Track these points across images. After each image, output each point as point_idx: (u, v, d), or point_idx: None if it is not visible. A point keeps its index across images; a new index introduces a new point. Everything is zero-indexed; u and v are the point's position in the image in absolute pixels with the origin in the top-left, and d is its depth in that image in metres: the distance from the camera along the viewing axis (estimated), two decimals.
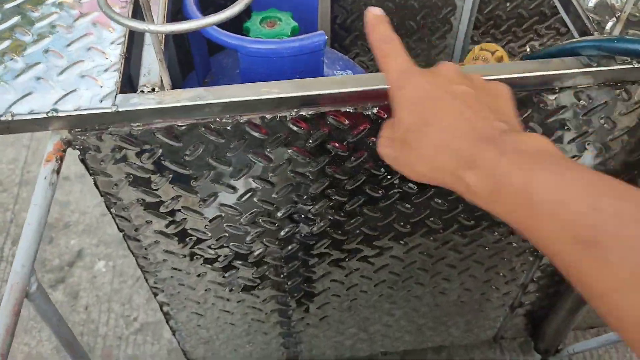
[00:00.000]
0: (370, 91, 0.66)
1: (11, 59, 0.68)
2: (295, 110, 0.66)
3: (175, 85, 0.66)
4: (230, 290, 0.98)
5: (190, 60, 0.89)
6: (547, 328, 1.17)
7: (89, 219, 1.81)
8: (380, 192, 0.80)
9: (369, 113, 0.68)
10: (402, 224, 0.87)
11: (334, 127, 0.69)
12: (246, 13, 0.85)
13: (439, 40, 1.26)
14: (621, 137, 0.76)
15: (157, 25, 0.42)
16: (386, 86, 0.59)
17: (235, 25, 0.77)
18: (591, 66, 0.66)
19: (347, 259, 0.94)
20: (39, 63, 0.67)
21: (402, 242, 0.92)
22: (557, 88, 0.68)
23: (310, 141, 0.70)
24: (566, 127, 0.74)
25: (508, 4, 1.19)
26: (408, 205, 0.84)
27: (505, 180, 0.44)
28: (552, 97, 0.69)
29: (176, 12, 0.83)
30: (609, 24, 0.69)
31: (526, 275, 1.04)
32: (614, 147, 0.78)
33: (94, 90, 0.65)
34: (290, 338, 1.16)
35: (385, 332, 1.19)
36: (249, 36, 0.86)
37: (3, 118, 0.62)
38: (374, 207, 0.83)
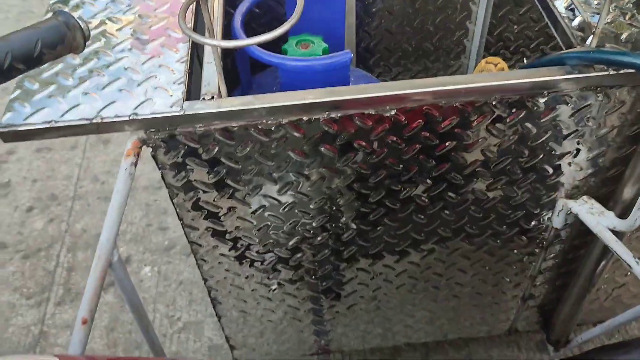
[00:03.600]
0: (389, 96, 0.80)
1: (98, 75, 0.84)
2: (326, 112, 0.81)
3: None
4: (273, 291, 1.12)
5: (233, 78, 1.05)
6: (557, 319, 1.28)
7: (136, 229, 1.97)
8: (397, 204, 0.94)
9: (388, 114, 0.82)
10: (418, 233, 1.01)
11: (359, 127, 0.83)
12: (283, 37, 1.01)
13: (453, 61, 1.41)
14: (608, 135, 0.89)
15: (225, 41, 0.56)
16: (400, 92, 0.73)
17: (274, 48, 0.93)
18: (573, 73, 0.80)
19: (371, 265, 1.07)
20: (120, 78, 0.84)
21: (419, 249, 1.05)
22: (545, 92, 0.81)
23: (339, 140, 0.85)
24: (558, 127, 0.87)
25: (515, 27, 1.33)
26: (422, 217, 0.97)
27: None
28: (542, 100, 0.82)
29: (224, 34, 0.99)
30: (589, 39, 0.82)
31: (534, 266, 1.16)
32: (602, 145, 0.90)
33: (165, 98, 0.80)
34: (322, 328, 1.29)
35: (407, 325, 1.31)
36: (287, 54, 1.02)
37: (94, 120, 0.78)
38: (393, 217, 0.97)
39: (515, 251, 1.11)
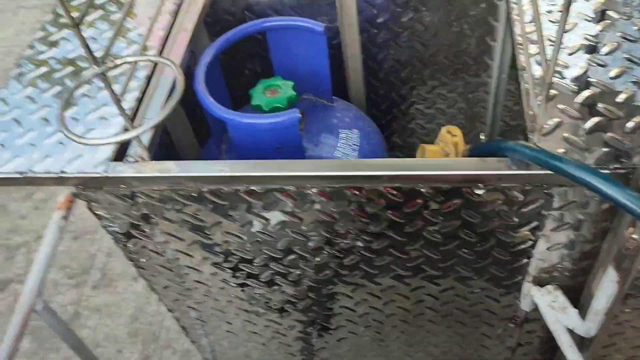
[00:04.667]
0: (306, 176, 0.76)
1: (44, 124, 0.87)
2: (245, 185, 0.78)
3: (193, 149, 0.81)
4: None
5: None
6: None
7: None
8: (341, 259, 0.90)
9: (309, 192, 0.78)
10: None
11: (281, 201, 0.80)
12: (256, 80, 0.99)
13: (473, 78, 1.28)
14: (567, 229, 0.78)
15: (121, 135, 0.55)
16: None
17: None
18: (512, 169, 0.70)
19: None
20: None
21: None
22: (481, 185, 0.73)
23: (259, 209, 0.82)
24: (506, 218, 0.78)
25: None
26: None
27: None
28: (479, 191, 0.74)
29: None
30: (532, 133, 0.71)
31: (512, 340, 1.06)
32: (564, 238, 0.80)
33: (94, 155, 0.81)
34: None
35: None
36: (252, 101, 0.99)
37: (27, 175, 0.82)
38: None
39: (488, 325, 1.03)
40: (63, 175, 0.81)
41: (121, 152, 0.83)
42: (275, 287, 0.99)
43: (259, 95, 0.99)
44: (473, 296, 0.95)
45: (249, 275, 0.97)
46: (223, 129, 1.08)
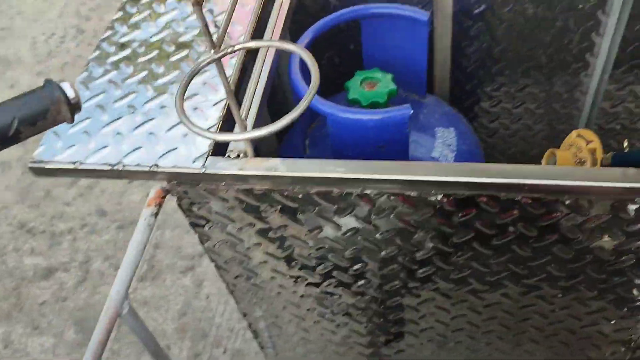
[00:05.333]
0: (433, 181, 0.67)
1: (133, 112, 0.80)
2: (360, 188, 0.70)
3: (270, 142, 0.73)
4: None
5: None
6: None
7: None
8: (449, 264, 0.81)
9: (433, 199, 0.70)
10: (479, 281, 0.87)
11: (397, 208, 0.72)
12: (350, 71, 0.90)
13: (571, 77, 1.18)
14: None
15: (218, 134, 0.48)
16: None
17: (344, 76, 0.82)
18: None
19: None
20: (154, 118, 0.79)
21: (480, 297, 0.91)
22: (637, 199, 0.64)
23: (374, 216, 0.74)
24: None
25: None
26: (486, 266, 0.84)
27: None
28: (632, 207, 0.65)
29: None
30: None
31: None
32: None
33: (191, 149, 0.74)
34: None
35: None
36: (348, 94, 0.91)
37: (116, 167, 0.75)
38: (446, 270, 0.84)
39: (596, 348, 0.94)
40: (157, 169, 0.74)
41: (219, 146, 0.76)
42: (355, 292, 0.92)
43: (357, 88, 0.91)
44: (589, 317, 0.86)
45: (340, 284, 0.90)
46: (309, 123, 1.00)
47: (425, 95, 1.04)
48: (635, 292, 0.80)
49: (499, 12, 1.09)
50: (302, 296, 0.95)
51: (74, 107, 0.56)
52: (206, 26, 0.57)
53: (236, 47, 0.59)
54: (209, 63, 0.58)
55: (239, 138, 0.55)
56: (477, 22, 1.12)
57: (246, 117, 0.77)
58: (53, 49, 2.65)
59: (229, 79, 0.67)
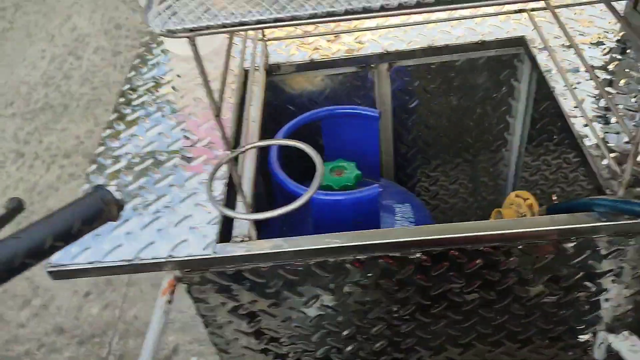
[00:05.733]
0: (413, 241, 0.82)
1: (140, 214, 0.90)
2: (352, 255, 0.83)
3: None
4: None
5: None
6: None
7: (185, 317, 2.02)
8: (429, 318, 0.94)
9: (413, 257, 0.84)
10: (453, 345, 1.00)
11: (384, 268, 0.85)
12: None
13: (494, 153, 1.39)
14: None
15: (254, 215, 0.60)
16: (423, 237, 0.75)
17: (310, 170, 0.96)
18: (601, 221, 0.79)
19: None
20: (159, 218, 0.89)
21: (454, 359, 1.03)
22: (573, 238, 0.81)
23: (365, 279, 0.87)
24: (590, 268, 0.85)
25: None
26: (456, 330, 0.97)
27: None
28: (569, 245, 0.82)
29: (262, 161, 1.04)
30: (618, 186, 0.81)
31: None
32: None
33: (199, 239, 0.85)
34: None
35: None
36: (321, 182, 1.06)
37: (134, 262, 0.84)
38: (426, 330, 0.96)
39: None
40: (171, 259, 0.83)
41: (222, 235, 0.87)
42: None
43: (327, 176, 1.06)
44: (548, 351, 1.00)
45: (333, 347, 0.99)
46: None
47: (379, 178, 1.21)
48: (582, 322, 0.95)
49: (429, 105, 1.31)
50: None
51: (121, 207, 0.67)
52: (223, 132, 0.71)
53: (246, 147, 0.73)
54: (227, 162, 0.71)
55: (258, 217, 0.67)
56: (411, 114, 1.33)
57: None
58: None
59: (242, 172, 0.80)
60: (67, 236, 0.62)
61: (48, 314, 2.08)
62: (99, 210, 0.65)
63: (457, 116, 1.32)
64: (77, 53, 3.37)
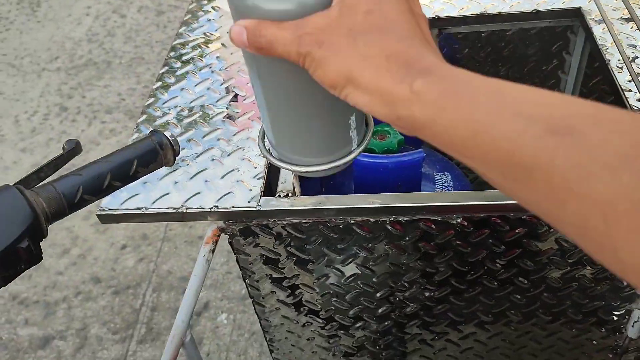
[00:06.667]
0: (455, 206, 0.82)
1: (187, 165, 0.93)
2: (393, 216, 0.84)
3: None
4: (333, 355, 1.15)
5: None
6: None
7: (217, 275, 2.08)
8: (464, 285, 0.95)
9: (454, 222, 0.84)
10: (484, 313, 1.00)
11: (424, 232, 0.86)
12: None
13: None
14: None
15: (303, 167, 0.61)
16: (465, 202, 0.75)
17: None
18: None
19: (435, 339, 1.08)
20: (207, 169, 0.91)
21: (485, 327, 1.04)
22: None
23: (403, 241, 0.88)
24: None
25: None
26: (489, 298, 0.97)
27: (463, 79, 0.39)
28: None
29: None
30: None
31: None
32: None
33: (244, 193, 0.87)
34: None
35: None
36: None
37: (180, 210, 0.86)
38: (459, 297, 0.97)
39: (586, 356, 1.08)
40: (216, 210, 0.86)
41: (268, 189, 0.89)
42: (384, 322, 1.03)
43: (371, 139, 1.06)
44: (581, 325, 1.00)
45: (366, 308, 1.01)
46: None
47: (420, 146, 1.20)
48: (618, 298, 0.95)
49: (480, 67, 1.29)
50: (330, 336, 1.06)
51: (176, 153, 0.69)
52: None
53: None
54: None
55: (308, 170, 0.68)
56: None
57: None
58: (37, 126, 2.74)
59: None
60: (124, 177, 0.64)
61: (86, 264, 2.15)
62: (155, 153, 0.67)
63: None
64: (121, 11, 3.40)
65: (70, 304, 2.03)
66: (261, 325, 1.10)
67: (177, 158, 0.94)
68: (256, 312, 1.06)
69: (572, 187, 0.32)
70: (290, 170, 0.61)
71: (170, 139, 0.68)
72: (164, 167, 0.71)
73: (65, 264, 2.16)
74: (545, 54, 1.23)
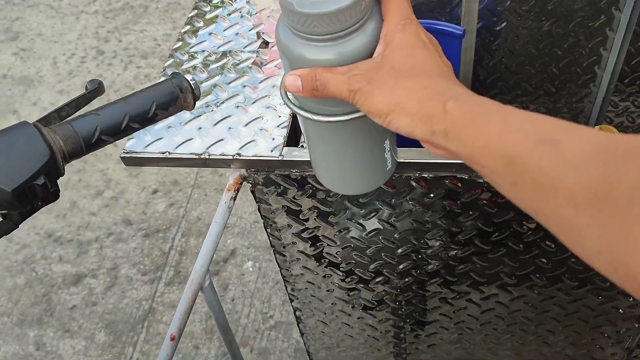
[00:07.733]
0: None
1: (212, 111, 0.91)
2: (417, 172, 0.82)
3: None
4: (352, 307, 1.15)
5: None
6: None
7: (244, 223, 2.10)
8: (488, 246, 0.93)
9: (481, 181, 0.81)
10: (508, 275, 0.98)
11: (449, 189, 0.84)
12: None
13: (581, 89, 1.32)
14: None
15: (328, 117, 0.59)
16: None
17: None
18: None
19: (457, 297, 1.07)
20: (231, 116, 0.90)
21: (507, 289, 1.02)
22: None
23: (427, 198, 0.85)
24: None
25: None
26: (514, 261, 0.95)
27: (483, 103, 0.48)
28: None
29: None
30: None
31: (632, 339, 1.08)
32: None
33: (267, 141, 0.85)
34: (400, 351, 1.30)
35: None
36: None
37: (202, 156, 0.86)
38: (482, 258, 0.95)
39: (611, 325, 1.05)
40: (239, 157, 0.85)
41: (291, 138, 0.87)
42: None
43: None
44: (609, 293, 0.98)
45: (387, 263, 1.00)
46: None
47: None
48: None
49: (518, 29, 1.23)
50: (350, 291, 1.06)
51: (196, 96, 0.68)
52: None
53: None
54: None
55: (332, 120, 0.66)
56: (497, 37, 1.26)
57: None
58: (74, 69, 2.76)
59: None
60: (143, 119, 0.64)
61: (118, 206, 2.20)
62: (175, 96, 0.66)
63: (546, 44, 1.24)
64: None
65: (102, 244, 2.09)
66: (282, 275, 1.10)
67: (201, 103, 0.93)
68: (277, 262, 1.06)
69: (553, 184, 0.41)
70: (311, 120, 0.59)
71: (190, 82, 0.67)
72: (185, 111, 0.70)
73: (98, 205, 2.21)
74: (594, 9, 1.16)
